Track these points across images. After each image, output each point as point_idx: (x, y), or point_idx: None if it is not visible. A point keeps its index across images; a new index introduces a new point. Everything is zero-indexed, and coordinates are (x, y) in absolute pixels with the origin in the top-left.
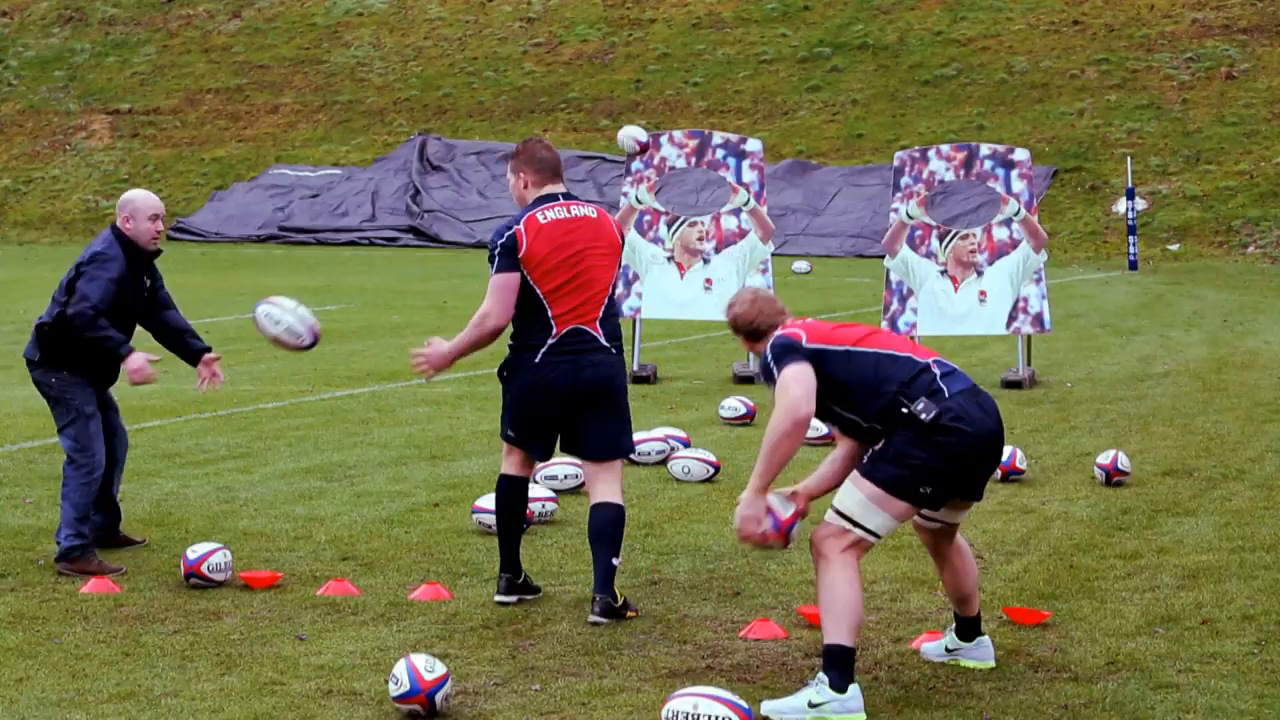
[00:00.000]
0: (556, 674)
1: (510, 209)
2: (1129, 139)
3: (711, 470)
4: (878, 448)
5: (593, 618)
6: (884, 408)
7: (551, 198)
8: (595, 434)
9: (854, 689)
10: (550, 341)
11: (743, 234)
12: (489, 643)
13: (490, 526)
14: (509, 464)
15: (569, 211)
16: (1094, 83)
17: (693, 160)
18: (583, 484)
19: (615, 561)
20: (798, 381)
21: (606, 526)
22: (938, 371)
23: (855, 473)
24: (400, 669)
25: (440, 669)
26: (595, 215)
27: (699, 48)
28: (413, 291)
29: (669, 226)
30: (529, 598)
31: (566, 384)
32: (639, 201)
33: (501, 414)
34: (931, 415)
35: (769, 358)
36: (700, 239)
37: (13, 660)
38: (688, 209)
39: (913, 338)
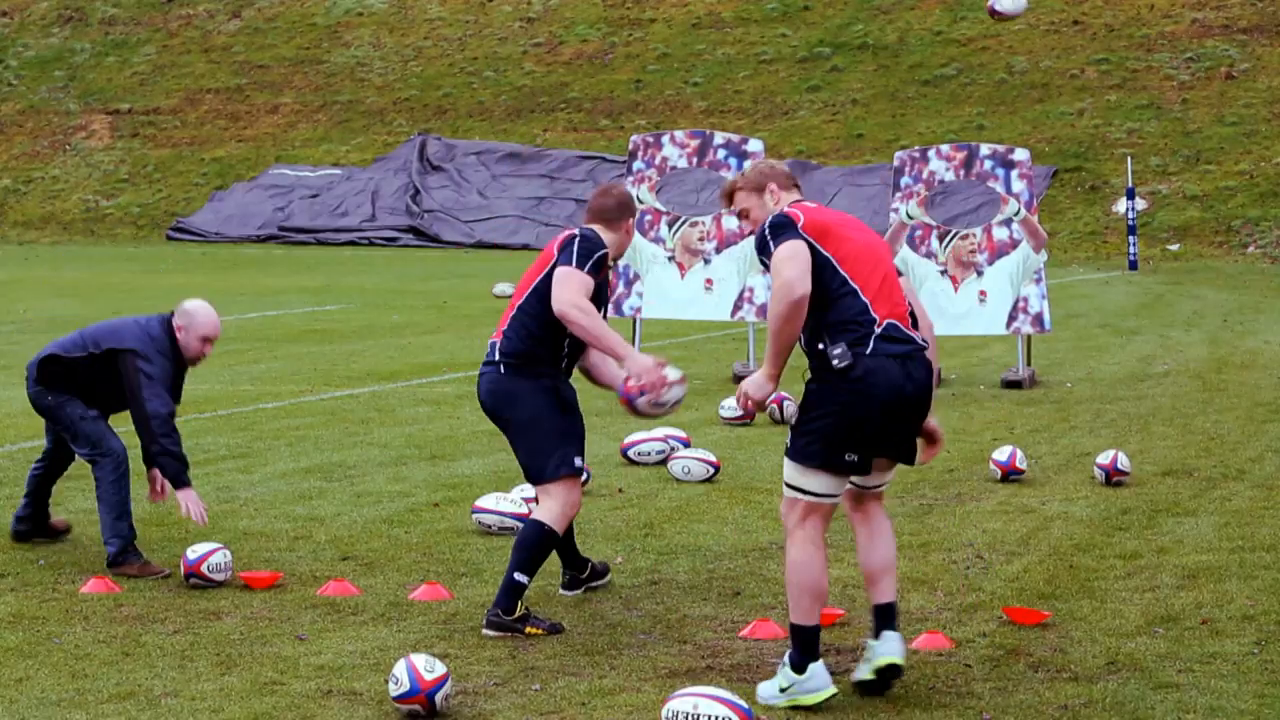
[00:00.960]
0: (556, 674)
1: (509, 209)
2: (1129, 139)
3: (711, 470)
4: (797, 415)
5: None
6: (812, 334)
7: None
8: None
9: (814, 667)
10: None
11: (743, 234)
12: (489, 643)
13: (490, 526)
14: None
15: None
16: (1094, 83)
17: (694, 160)
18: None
19: (518, 577)
20: (791, 261)
21: (518, 540)
22: (879, 330)
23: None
24: (400, 669)
25: (440, 669)
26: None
27: (699, 48)
28: (413, 291)
29: (670, 226)
30: (597, 584)
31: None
32: (640, 201)
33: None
34: (843, 365)
35: (765, 232)
36: (701, 239)
37: (13, 660)
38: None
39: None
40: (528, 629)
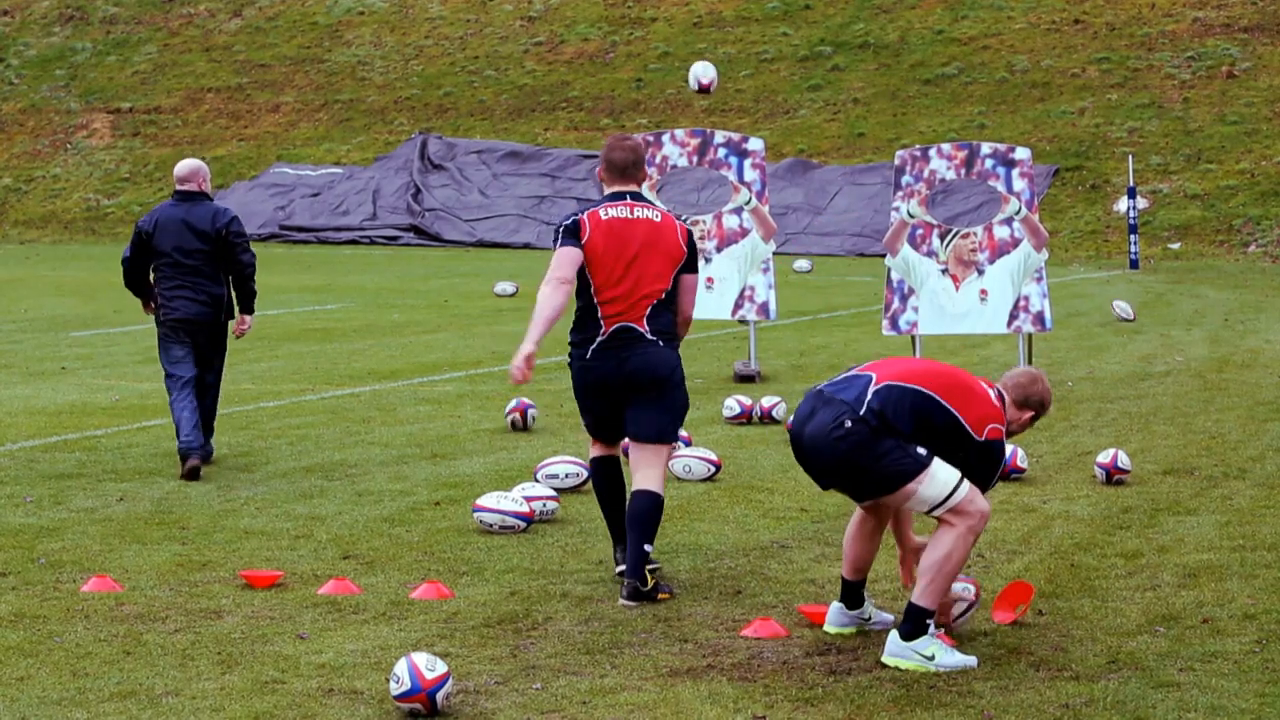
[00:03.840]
0: (557, 673)
1: (510, 208)
2: (1130, 138)
3: (712, 469)
4: None
5: (621, 600)
6: None
7: (619, 196)
8: (637, 418)
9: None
10: (600, 339)
11: (744, 233)
12: (490, 641)
13: (491, 525)
14: (594, 448)
15: (631, 212)
16: (1095, 82)
17: (694, 159)
18: (583, 483)
19: (647, 548)
20: None
21: (640, 513)
22: (820, 387)
23: None
24: (401, 668)
25: (441, 668)
26: (659, 219)
27: (700, 46)
28: (414, 290)
29: None
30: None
31: (614, 376)
32: None
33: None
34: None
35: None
36: (702, 238)
37: (14, 659)
38: (689, 208)
39: (913, 337)
40: (659, 595)
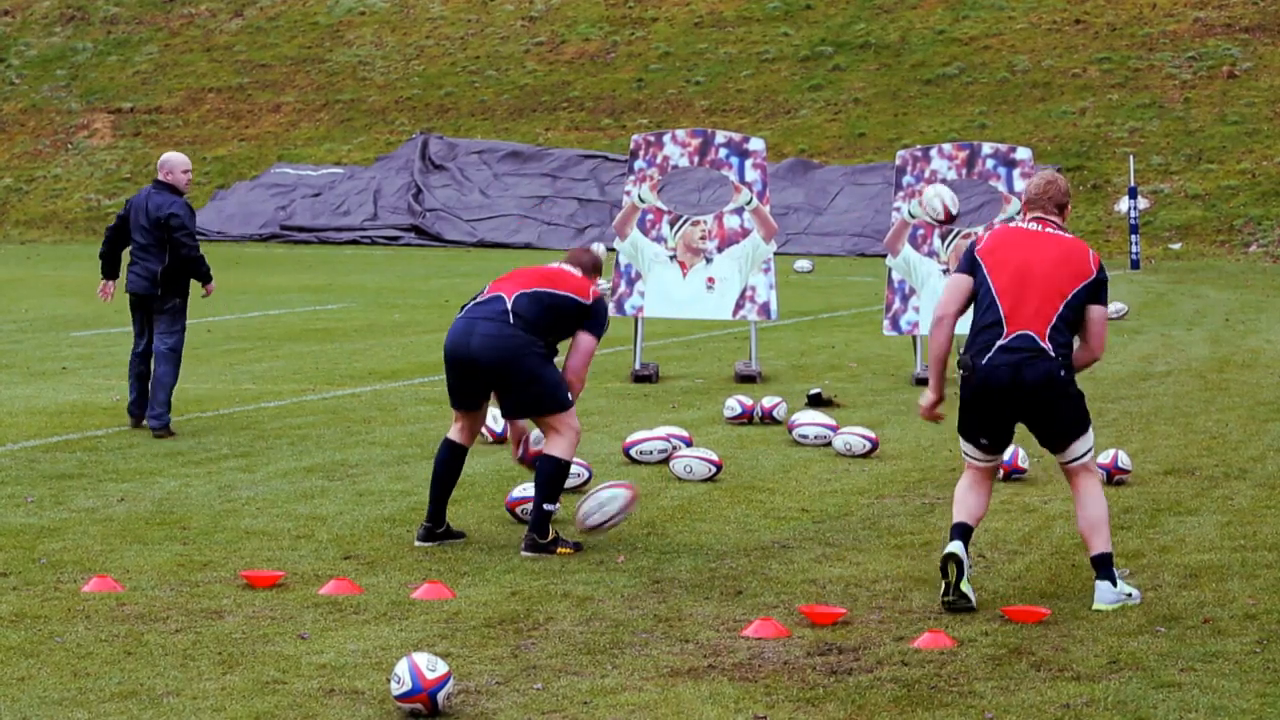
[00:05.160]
0: (558, 673)
1: (511, 208)
2: (1131, 138)
3: (714, 469)
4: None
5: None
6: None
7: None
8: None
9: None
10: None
11: (745, 233)
12: (491, 641)
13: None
14: (453, 430)
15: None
16: (1096, 82)
17: (695, 159)
18: (584, 483)
19: (547, 507)
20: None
21: (542, 476)
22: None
23: None
24: (402, 668)
25: (442, 668)
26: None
27: (701, 47)
28: (414, 290)
29: (671, 225)
30: (452, 542)
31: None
32: (641, 200)
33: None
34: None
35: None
36: (703, 238)
37: (15, 659)
38: (690, 208)
39: (915, 337)
40: (559, 549)
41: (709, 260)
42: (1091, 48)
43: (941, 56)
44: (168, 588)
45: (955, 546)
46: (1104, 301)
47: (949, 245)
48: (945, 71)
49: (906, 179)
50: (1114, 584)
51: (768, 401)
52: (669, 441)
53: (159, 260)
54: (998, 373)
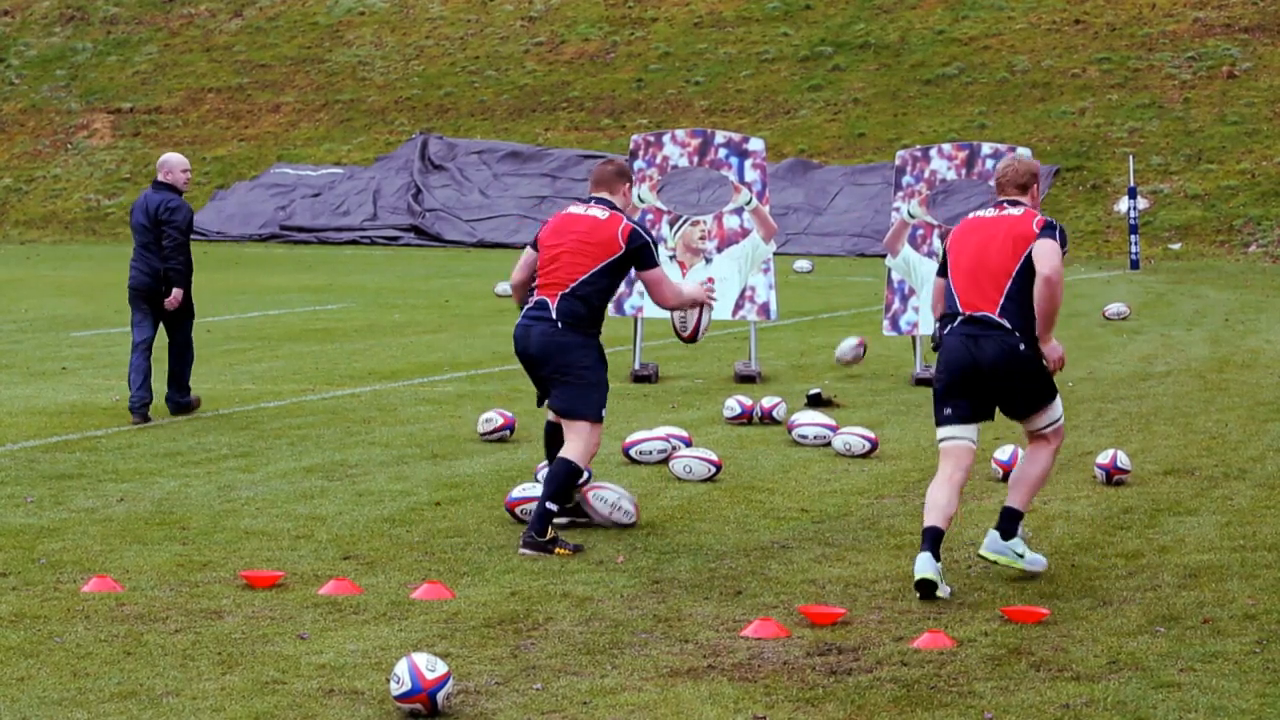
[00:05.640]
0: (558, 673)
1: (510, 208)
2: (1131, 138)
3: (713, 469)
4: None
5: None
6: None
7: (584, 199)
8: (555, 394)
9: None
10: (527, 306)
11: (745, 233)
12: (490, 642)
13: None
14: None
15: (585, 210)
16: (1095, 82)
17: (695, 159)
18: (584, 483)
19: (549, 506)
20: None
21: (551, 475)
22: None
23: None
24: (402, 668)
25: (442, 668)
26: (604, 217)
27: (700, 47)
28: (414, 290)
29: (671, 225)
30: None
31: (519, 346)
32: (641, 200)
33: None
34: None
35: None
36: (702, 238)
37: (14, 659)
38: (690, 208)
39: (914, 338)
40: (557, 550)
41: (708, 260)
42: (1091, 48)
43: (941, 56)
44: (167, 588)
45: (924, 568)
46: (1053, 238)
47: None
48: (945, 71)
49: (906, 179)
50: (1006, 538)
51: (767, 401)
52: (668, 442)
53: (159, 256)
54: (957, 350)
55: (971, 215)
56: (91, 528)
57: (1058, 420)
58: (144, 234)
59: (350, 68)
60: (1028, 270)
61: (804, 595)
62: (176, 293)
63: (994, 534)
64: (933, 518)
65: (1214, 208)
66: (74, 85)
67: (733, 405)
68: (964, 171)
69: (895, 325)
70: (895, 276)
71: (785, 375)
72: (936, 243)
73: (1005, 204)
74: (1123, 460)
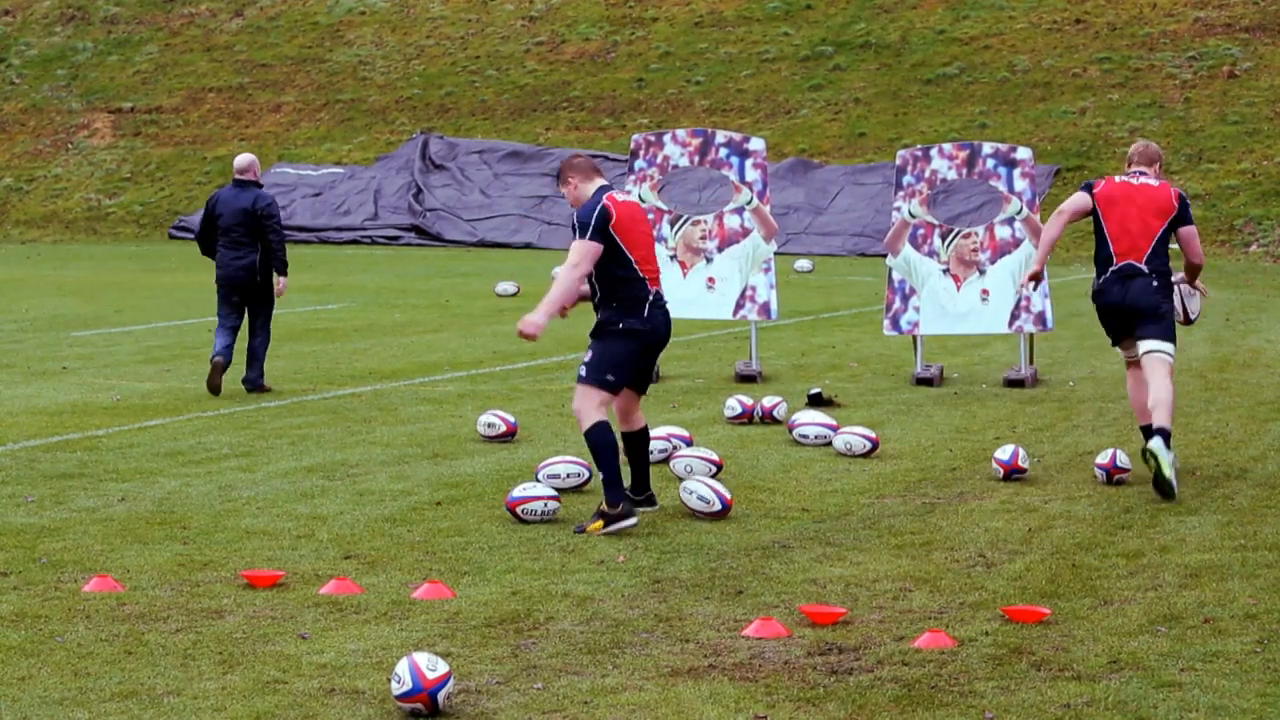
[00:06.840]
0: (559, 673)
1: (511, 208)
2: (1131, 138)
3: (714, 469)
4: None
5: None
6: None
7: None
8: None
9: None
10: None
11: (746, 233)
12: (491, 641)
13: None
14: (604, 412)
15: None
16: (1096, 81)
17: (695, 159)
18: (584, 483)
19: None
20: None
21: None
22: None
23: None
24: (402, 667)
25: (442, 667)
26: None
27: (701, 46)
28: (415, 290)
29: (672, 225)
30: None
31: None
32: (642, 200)
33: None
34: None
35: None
36: (703, 238)
37: (15, 659)
38: (691, 207)
39: (915, 337)
40: (592, 526)
41: (709, 260)
42: (1092, 47)
43: (942, 56)
44: (168, 587)
45: (1154, 443)
46: (1190, 221)
47: (949, 245)
48: (945, 71)
49: (907, 179)
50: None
51: (768, 401)
52: (669, 441)
53: (254, 248)
54: (1111, 291)
55: (1114, 179)
56: (92, 527)
57: (1173, 350)
58: (238, 231)
59: (351, 67)
60: (1165, 234)
61: (805, 595)
62: (285, 281)
63: (1159, 441)
64: (1143, 418)
65: (1215, 207)
66: (75, 85)
67: (733, 405)
68: (965, 171)
69: (896, 325)
70: (896, 276)
71: (786, 375)
72: (937, 242)
73: (1145, 174)
74: (1122, 459)
